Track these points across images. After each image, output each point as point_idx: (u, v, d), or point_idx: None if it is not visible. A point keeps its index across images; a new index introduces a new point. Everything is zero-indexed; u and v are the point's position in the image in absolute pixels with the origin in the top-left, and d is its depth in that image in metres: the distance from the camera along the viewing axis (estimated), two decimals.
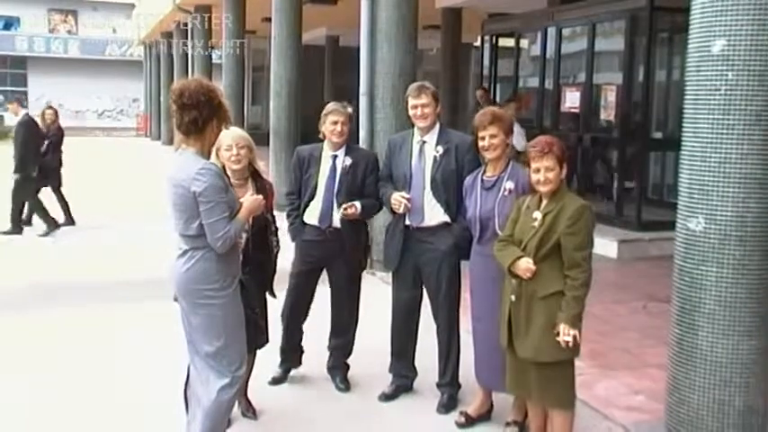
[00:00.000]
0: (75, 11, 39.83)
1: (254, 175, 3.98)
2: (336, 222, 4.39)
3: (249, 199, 3.44)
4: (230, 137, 3.81)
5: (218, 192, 3.18)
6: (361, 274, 4.62)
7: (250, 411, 4.15)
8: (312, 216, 4.43)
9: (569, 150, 3.60)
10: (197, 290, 3.28)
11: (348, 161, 4.41)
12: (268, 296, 4.13)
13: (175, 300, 3.46)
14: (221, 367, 3.33)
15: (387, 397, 4.46)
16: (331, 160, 4.41)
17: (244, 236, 3.74)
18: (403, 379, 4.52)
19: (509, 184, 3.83)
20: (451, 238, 4.18)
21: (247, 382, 4.18)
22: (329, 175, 4.39)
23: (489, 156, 3.89)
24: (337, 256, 4.45)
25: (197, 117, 3.21)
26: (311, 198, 4.42)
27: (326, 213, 4.39)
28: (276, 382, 4.62)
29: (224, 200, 3.22)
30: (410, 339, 4.47)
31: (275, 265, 4.12)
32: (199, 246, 3.25)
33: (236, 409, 3.83)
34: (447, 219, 4.20)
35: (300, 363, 4.71)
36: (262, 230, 3.94)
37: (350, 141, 4.52)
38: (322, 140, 4.49)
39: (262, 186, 3.96)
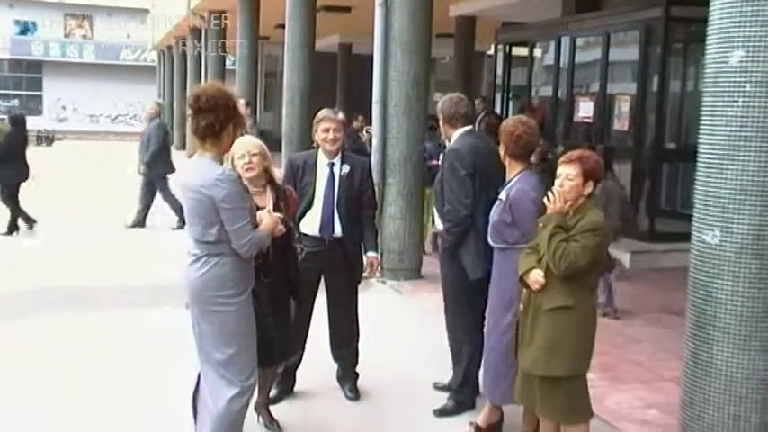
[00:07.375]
0: (90, 16, 40.12)
1: (271, 183, 3.93)
2: (338, 232, 4.32)
3: (267, 223, 3.41)
4: (242, 145, 3.79)
5: (238, 198, 3.22)
6: (360, 282, 4.54)
7: (274, 425, 4.08)
8: (310, 226, 4.30)
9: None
10: (210, 296, 3.26)
11: (346, 169, 4.35)
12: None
13: (187, 307, 3.44)
14: (231, 375, 3.32)
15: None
16: (328, 168, 4.34)
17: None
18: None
19: (502, 194, 3.86)
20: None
21: (269, 394, 4.15)
22: (327, 184, 4.32)
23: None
24: (337, 264, 4.37)
25: (214, 121, 3.21)
26: (308, 207, 4.29)
27: (328, 223, 4.31)
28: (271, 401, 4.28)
29: (245, 206, 3.25)
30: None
31: (299, 271, 4.05)
32: (214, 252, 3.25)
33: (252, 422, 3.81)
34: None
35: (293, 390, 4.51)
36: (284, 237, 3.84)
37: (343, 148, 4.44)
38: (314, 148, 4.42)
39: (281, 193, 3.94)
